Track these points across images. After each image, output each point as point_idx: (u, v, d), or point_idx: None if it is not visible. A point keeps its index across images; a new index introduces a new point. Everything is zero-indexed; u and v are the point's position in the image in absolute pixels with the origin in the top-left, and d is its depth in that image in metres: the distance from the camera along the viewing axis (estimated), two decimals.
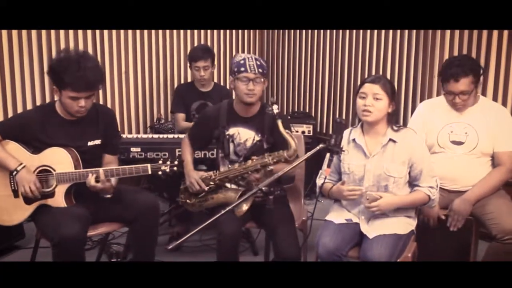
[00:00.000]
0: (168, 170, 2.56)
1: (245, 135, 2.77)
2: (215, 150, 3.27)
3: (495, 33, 3.50)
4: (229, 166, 2.77)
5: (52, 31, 4.00)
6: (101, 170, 2.59)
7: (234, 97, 2.89)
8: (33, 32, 3.92)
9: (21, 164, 2.58)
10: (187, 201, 2.84)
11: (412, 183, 2.55)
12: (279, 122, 2.50)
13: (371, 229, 2.48)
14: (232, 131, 2.78)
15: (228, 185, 2.75)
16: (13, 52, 3.86)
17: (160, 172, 2.57)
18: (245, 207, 2.50)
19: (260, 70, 2.66)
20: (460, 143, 2.81)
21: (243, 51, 5.12)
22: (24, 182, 2.56)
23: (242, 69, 2.65)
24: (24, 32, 3.87)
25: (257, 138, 2.76)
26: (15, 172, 2.57)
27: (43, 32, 3.96)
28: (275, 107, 2.51)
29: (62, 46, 4.04)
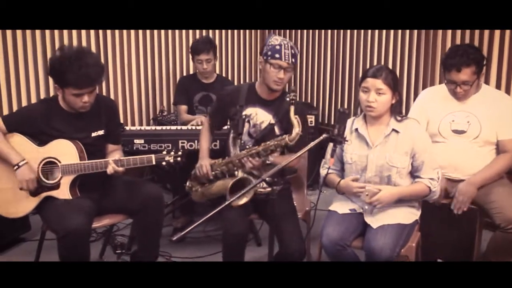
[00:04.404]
0: (172, 160, 2.58)
1: (262, 117, 2.75)
2: (217, 141, 3.28)
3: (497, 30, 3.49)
4: (239, 149, 2.76)
5: None
6: (101, 161, 2.60)
7: (258, 78, 2.86)
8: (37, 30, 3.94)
9: (23, 160, 2.59)
10: (193, 188, 2.85)
11: (414, 174, 2.55)
12: (292, 108, 2.51)
13: (375, 219, 2.48)
14: (249, 111, 2.76)
15: (236, 172, 2.73)
16: (17, 50, 3.87)
17: (164, 163, 2.58)
18: (244, 199, 2.51)
19: (293, 59, 2.62)
20: (462, 132, 2.79)
21: (244, 48, 5.12)
22: (23, 179, 2.58)
23: (277, 55, 2.59)
24: (28, 30, 3.89)
25: (272, 122, 2.74)
26: (16, 167, 2.59)
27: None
28: (292, 94, 2.53)
29: (65, 38, 4.04)
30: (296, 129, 2.50)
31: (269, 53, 2.62)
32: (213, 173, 2.74)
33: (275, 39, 2.64)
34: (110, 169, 2.58)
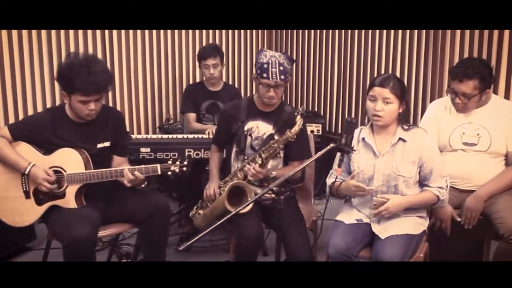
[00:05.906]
0: (177, 170, 2.57)
1: (263, 129, 2.77)
2: (224, 151, 3.28)
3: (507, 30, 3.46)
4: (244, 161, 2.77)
5: (62, 32, 4.02)
6: (107, 170, 2.60)
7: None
8: (43, 32, 3.95)
9: (30, 163, 2.59)
10: (196, 214, 2.85)
11: (422, 182, 2.53)
12: (298, 116, 2.62)
13: (382, 230, 2.46)
14: (250, 124, 2.78)
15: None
16: (23, 52, 3.88)
17: (169, 173, 2.57)
18: (247, 208, 2.52)
19: (282, 76, 2.62)
20: (472, 145, 2.77)
21: (251, 51, 5.12)
22: (38, 179, 2.57)
23: (264, 75, 2.61)
24: (34, 32, 3.90)
25: (272, 132, 2.76)
26: (26, 174, 2.59)
27: (53, 32, 3.98)
28: (301, 108, 2.64)
29: (72, 46, 4.07)
30: (298, 124, 2.60)
31: (258, 71, 2.64)
32: (218, 190, 2.75)
33: (264, 56, 2.64)
34: (129, 176, 2.57)
